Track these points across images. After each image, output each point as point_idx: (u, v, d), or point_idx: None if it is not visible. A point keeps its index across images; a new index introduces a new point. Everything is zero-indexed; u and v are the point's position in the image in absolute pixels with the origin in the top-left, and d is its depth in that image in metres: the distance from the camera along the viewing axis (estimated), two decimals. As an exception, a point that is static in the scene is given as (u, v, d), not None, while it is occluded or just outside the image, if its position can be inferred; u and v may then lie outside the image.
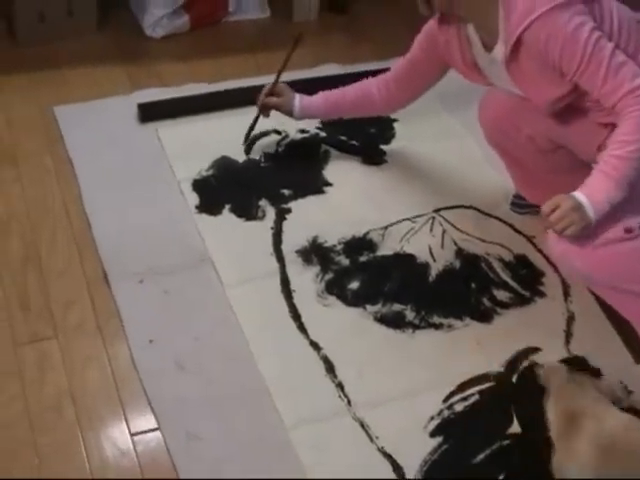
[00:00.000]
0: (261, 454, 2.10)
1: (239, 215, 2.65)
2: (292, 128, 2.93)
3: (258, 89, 2.96)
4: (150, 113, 2.93)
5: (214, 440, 2.11)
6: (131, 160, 2.79)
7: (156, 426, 2.14)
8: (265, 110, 2.80)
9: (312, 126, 2.95)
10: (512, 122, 2.51)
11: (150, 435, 2.13)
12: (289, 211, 2.67)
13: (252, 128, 2.84)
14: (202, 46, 3.31)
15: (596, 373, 2.32)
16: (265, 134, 2.91)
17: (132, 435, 2.12)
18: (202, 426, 2.13)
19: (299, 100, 2.73)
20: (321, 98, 2.73)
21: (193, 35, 3.36)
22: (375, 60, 3.25)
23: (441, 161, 2.91)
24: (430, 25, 2.46)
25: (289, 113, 2.77)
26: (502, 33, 2.21)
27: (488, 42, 2.29)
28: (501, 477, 2.08)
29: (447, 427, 2.18)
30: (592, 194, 2.09)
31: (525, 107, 2.39)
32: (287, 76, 3.07)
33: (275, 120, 2.89)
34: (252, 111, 2.91)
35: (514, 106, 2.45)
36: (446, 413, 2.21)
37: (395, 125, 3.01)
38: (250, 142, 2.88)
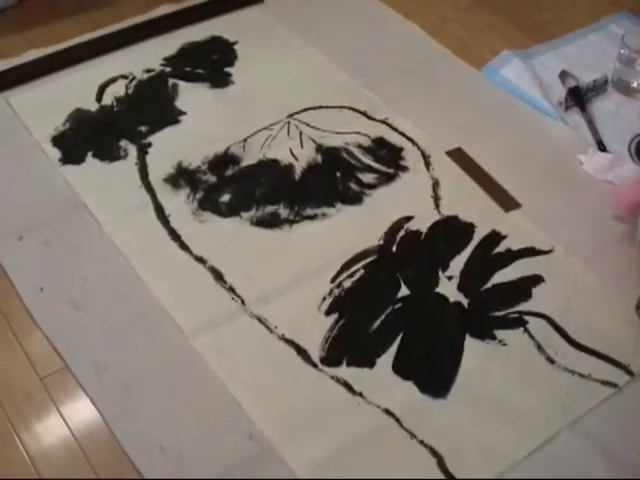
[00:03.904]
0: (169, 368, 2.15)
1: (102, 159, 2.67)
2: (138, 70, 2.96)
3: (97, 42, 3.02)
4: (-6, 84, 2.90)
5: (121, 366, 2.15)
6: (-13, 131, 2.77)
7: (63, 365, 2.17)
8: None
9: (156, 64, 2.99)
10: None
11: (59, 374, 2.16)
12: (149, 145, 2.70)
13: None
14: (34, 15, 3.27)
15: (470, 226, 2.45)
16: (113, 80, 2.93)
17: (42, 379, 2.15)
18: (107, 355, 2.17)
19: None
20: None
21: (22, 7, 3.32)
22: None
23: (284, 71, 2.97)
24: None
25: None
26: None
27: None
28: (400, 335, 2.19)
29: (340, 303, 2.27)
30: None
31: None
32: (122, 25, 3.13)
33: (119, 66, 2.95)
34: (96, 63, 2.97)
35: None
36: (336, 291, 2.30)
37: (235, 47, 3.07)
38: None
